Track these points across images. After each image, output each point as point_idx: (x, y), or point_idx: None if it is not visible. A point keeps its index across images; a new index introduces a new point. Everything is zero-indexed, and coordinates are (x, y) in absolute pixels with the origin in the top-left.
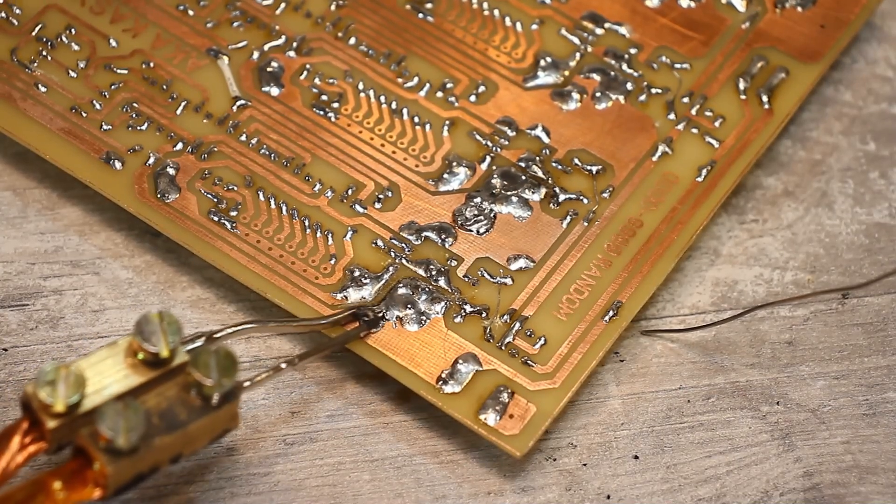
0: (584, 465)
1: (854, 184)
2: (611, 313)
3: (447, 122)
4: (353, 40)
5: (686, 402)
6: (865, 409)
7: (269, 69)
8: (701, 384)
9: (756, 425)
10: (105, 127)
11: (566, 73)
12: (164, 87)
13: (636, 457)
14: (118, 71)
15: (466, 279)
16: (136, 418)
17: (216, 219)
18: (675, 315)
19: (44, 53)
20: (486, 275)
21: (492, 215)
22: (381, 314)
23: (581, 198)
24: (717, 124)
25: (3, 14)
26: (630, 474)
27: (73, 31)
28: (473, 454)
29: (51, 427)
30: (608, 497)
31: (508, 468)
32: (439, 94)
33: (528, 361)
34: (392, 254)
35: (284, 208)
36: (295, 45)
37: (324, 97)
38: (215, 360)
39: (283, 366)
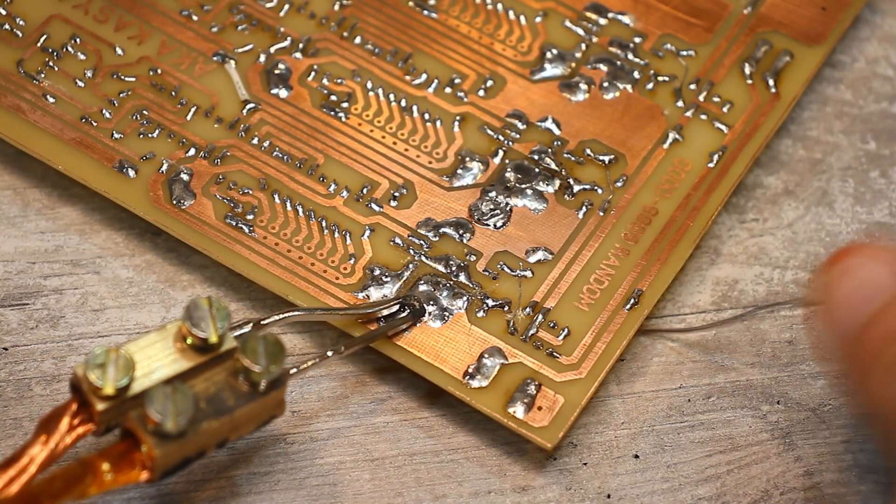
0: (585, 464)
1: (854, 183)
2: (632, 301)
3: (457, 118)
4: (358, 39)
5: (686, 401)
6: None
7: (276, 71)
8: (701, 383)
9: (756, 424)
10: (116, 135)
11: (573, 64)
12: (173, 93)
13: (636, 456)
14: (126, 79)
15: (486, 273)
16: (185, 402)
17: (233, 223)
18: (676, 314)
19: (50, 64)
20: (505, 268)
21: (507, 209)
22: (425, 304)
23: (595, 188)
24: (725, 110)
25: (7, 26)
26: (630, 473)
27: (78, 40)
28: (473, 453)
29: (100, 409)
30: (608, 496)
31: (509, 467)
32: (448, 89)
33: (553, 353)
34: (411, 251)
35: (301, 210)
36: (301, 46)
37: (333, 97)
38: (263, 347)
39: (330, 353)
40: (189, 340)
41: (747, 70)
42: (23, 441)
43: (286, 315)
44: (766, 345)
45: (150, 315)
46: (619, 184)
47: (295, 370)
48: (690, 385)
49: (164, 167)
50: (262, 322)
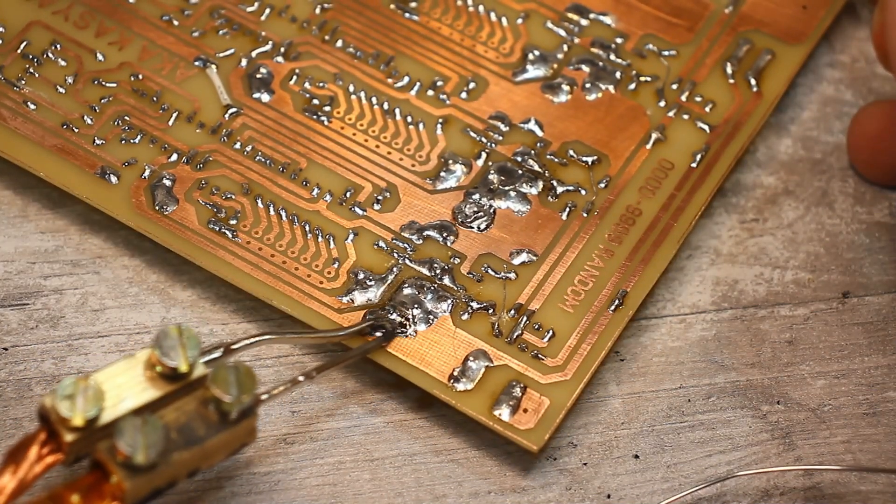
0: (585, 464)
1: (854, 183)
2: (616, 303)
3: (440, 121)
4: (339, 43)
5: (686, 401)
6: (866, 409)
7: (258, 76)
8: (701, 383)
9: (756, 424)
10: (98, 141)
11: (555, 65)
12: (155, 98)
13: (636, 456)
14: (107, 84)
15: (471, 276)
16: (155, 434)
17: (216, 228)
18: (676, 314)
19: (31, 70)
20: (490, 271)
21: (491, 211)
22: (399, 325)
23: (579, 189)
24: (707, 109)
25: None
26: (630, 473)
27: (58, 46)
28: (473, 453)
29: (69, 440)
30: (608, 496)
31: (508, 467)
32: (430, 92)
33: (538, 355)
34: (395, 254)
35: (284, 214)
36: (282, 50)
37: (315, 101)
38: (235, 377)
39: (301, 378)
40: (159, 368)
41: (729, 69)
42: None
43: (256, 339)
44: (766, 345)
45: (150, 315)
46: (602, 185)
47: (266, 396)
48: (690, 385)
49: (147, 173)
50: (232, 347)
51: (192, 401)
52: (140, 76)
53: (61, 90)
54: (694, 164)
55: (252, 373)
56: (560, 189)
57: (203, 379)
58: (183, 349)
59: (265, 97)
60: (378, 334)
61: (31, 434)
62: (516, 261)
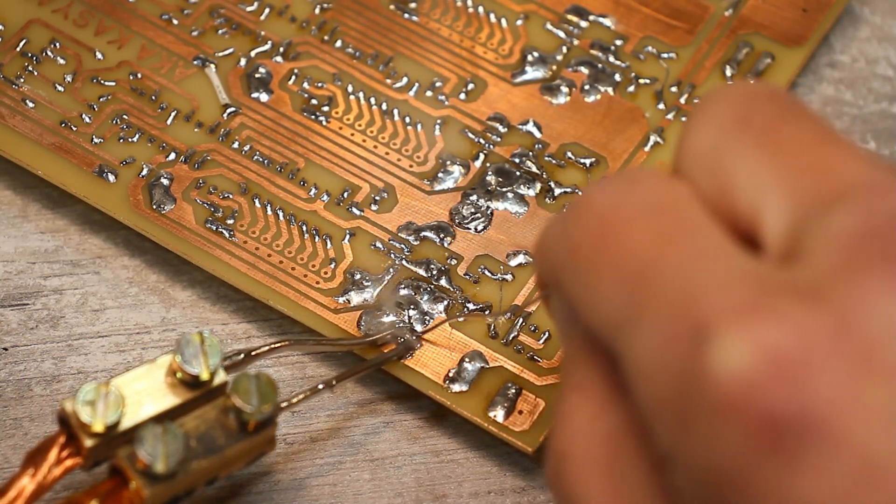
0: None
1: None
2: None
3: (438, 121)
4: (339, 43)
5: None
6: None
7: (257, 75)
8: None
9: None
10: (96, 140)
11: (554, 67)
12: (153, 97)
13: None
14: (106, 83)
15: (467, 277)
16: (175, 443)
17: (214, 228)
18: None
19: (30, 69)
20: (486, 272)
21: (489, 212)
22: (418, 336)
23: (576, 191)
24: None
25: None
26: None
27: (57, 44)
28: (474, 453)
29: (88, 446)
30: None
31: (509, 467)
32: (429, 93)
33: (534, 356)
34: (392, 255)
35: (281, 214)
36: (281, 50)
37: (314, 101)
38: (256, 386)
39: (321, 387)
40: (179, 375)
41: (728, 72)
42: (23, 441)
43: (276, 346)
44: None
45: (150, 315)
46: None
47: (285, 404)
48: None
49: (145, 172)
50: (252, 353)
51: (213, 409)
52: (139, 75)
53: (60, 88)
54: None
55: (273, 382)
56: (558, 191)
57: (223, 385)
58: (205, 357)
59: (264, 97)
60: (395, 346)
61: (50, 437)
62: (513, 262)
